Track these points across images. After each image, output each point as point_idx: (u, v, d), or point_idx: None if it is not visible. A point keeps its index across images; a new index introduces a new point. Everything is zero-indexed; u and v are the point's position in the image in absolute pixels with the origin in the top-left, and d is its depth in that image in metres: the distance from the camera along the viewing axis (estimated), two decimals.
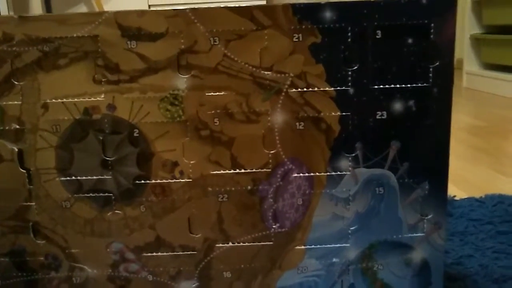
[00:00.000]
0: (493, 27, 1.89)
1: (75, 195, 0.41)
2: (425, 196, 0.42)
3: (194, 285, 0.44)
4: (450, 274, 0.54)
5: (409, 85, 0.40)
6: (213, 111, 0.40)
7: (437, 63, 0.40)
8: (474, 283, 0.52)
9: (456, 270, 0.55)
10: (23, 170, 0.40)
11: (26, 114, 0.40)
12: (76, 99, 0.39)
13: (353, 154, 0.41)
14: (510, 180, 0.90)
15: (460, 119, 1.46)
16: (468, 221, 0.68)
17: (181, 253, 0.43)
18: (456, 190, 0.83)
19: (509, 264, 0.56)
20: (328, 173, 0.42)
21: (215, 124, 0.40)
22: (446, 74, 0.40)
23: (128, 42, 0.39)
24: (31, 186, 0.41)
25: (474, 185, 0.87)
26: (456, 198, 0.77)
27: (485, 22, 1.92)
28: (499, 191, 0.80)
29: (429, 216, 0.43)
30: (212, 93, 0.40)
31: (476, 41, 2.00)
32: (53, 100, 0.39)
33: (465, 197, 0.78)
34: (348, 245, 0.43)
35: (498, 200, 0.75)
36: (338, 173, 0.42)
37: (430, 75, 0.40)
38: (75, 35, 0.38)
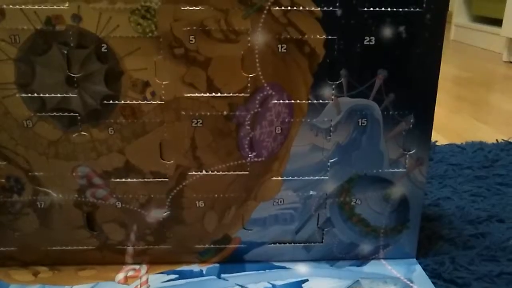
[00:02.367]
0: None
1: (37, 113, 0.38)
2: (409, 130, 0.41)
3: (165, 214, 0.42)
4: (427, 214, 0.53)
5: (400, 9, 0.37)
6: (188, 28, 0.37)
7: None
8: (450, 223, 0.52)
9: (433, 211, 0.55)
10: None
11: None
12: (36, 6, 0.36)
13: (337, 82, 0.39)
14: (490, 129, 0.89)
15: (446, 70, 1.44)
16: (448, 165, 0.68)
17: (152, 180, 0.41)
18: (437, 136, 0.82)
19: (484, 206, 0.56)
20: (310, 101, 0.39)
21: (191, 42, 0.37)
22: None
23: None
24: None
25: (456, 133, 0.86)
26: (438, 144, 0.76)
27: None
28: (480, 139, 0.79)
29: (412, 151, 0.41)
30: (188, 7, 0.36)
31: None
32: (10, 6, 0.35)
33: (447, 143, 0.77)
34: (326, 178, 0.42)
35: (478, 147, 0.75)
36: (320, 101, 0.39)
37: None
38: None
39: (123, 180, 0.41)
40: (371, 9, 0.37)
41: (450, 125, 0.91)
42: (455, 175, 0.65)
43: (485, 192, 0.60)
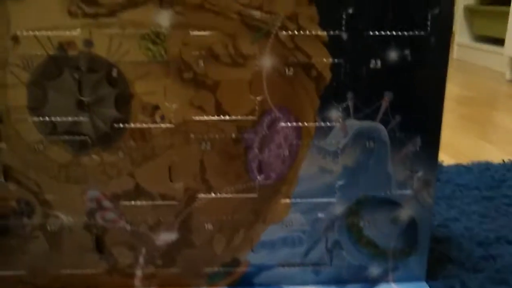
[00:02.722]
0: None
1: (48, 137, 0.39)
2: (416, 152, 0.41)
3: (173, 237, 0.42)
4: (436, 236, 0.53)
5: (405, 33, 0.38)
6: (197, 52, 0.37)
7: (437, 11, 0.38)
8: (459, 245, 0.52)
9: (441, 233, 0.54)
10: None
11: None
12: (50, 33, 0.36)
13: (344, 104, 0.39)
14: (496, 149, 0.89)
15: (449, 88, 1.44)
16: (455, 186, 0.68)
17: (161, 202, 0.41)
18: (443, 156, 0.82)
19: (493, 228, 0.56)
20: (317, 124, 0.40)
21: (199, 66, 0.38)
22: (446, 23, 0.38)
23: None
24: (1, 126, 0.38)
25: (461, 152, 0.86)
26: (444, 164, 0.76)
27: None
28: (486, 158, 0.79)
29: (419, 173, 0.42)
30: (197, 32, 0.37)
31: (470, 12, 1.97)
32: (25, 33, 0.36)
33: (453, 163, 0.77)
34: (334, 200, 0.42)
35: (484, 167, 0.75)
36: (327, 123, 0.40)
37: (428, 23, 0.38)
38: None
39: (133, 203, 0.41)
40: (377, 33, 0.38)
41: (455, 145, 0.91)
42: (463, 196, 0.65)
43: (493, 213, 0.60)
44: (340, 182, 0.41)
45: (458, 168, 0.75)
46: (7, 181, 0.40)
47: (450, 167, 0.75)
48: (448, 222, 0.57)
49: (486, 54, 1.82)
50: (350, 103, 0.39)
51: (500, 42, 1.67)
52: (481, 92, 1.42)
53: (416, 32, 0.38)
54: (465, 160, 0.79)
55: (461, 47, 2.01)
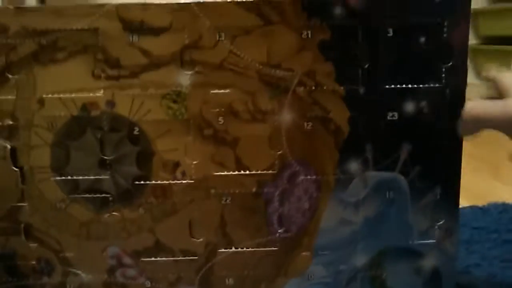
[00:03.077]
0: (490, 37, 1.88)
1: (70, 195, 0.39)
2: (437, 201, 0.41)
3: None
4: (459, 283, 0.52)
5: (421, 86, 0.39)
6: (217, 110, 0.38)
7: (450, 63, 0.38)
8: None
9: (464, 280, 0.53)
10: (16, 169, 0.38)
11: (21, 110, 0.38)
12: (74, 95, 0.37)
13: (363, 157, 0.40)
14: (510, 188, 0.88)
15: None
16: (473, 229, 0.67)
17: (182, 258, 0.41)
18: None
19: None
20: (337, 176, 0.40)
21: (219, 123, 0.38)
22: (459, 74, 0.39)
23: (130, 36, 0.37)
24: (24, 186, 0.39)
25: (476, 194, 0.85)
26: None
27: (482, 33, 1.91)
28: (501, 199, 0.78)
29: (441, 222, 0.41)
30: (217, 91, 0.38)
31: (473, 52, 1.99)
32: (50, 95, 0.37)
33: (468, 205, 0.76)
34: (356, 251, 0.41)
35: (502, 209, 0.74)
36: (347, 176, 0.40)
37: (443, 75, 0.39)
38: (74, 27, 0.36)
39: (153, 259, 0.41)
40: (392, 86, 0.39)
41: (469, 187, 0.90)
42: (482, 240, 0.63)
43: None
44: (361, 233, 0.41)
45: (474, 211, 0.74)
46: (28, 239, 0.40)
47: (465, 209, 0.74)
48: (470, 268, 0.56)
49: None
50: (369, 155, 0.40)
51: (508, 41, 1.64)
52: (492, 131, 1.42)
53: (432, 85, 0.39)
54: (480, 202, 0.78)
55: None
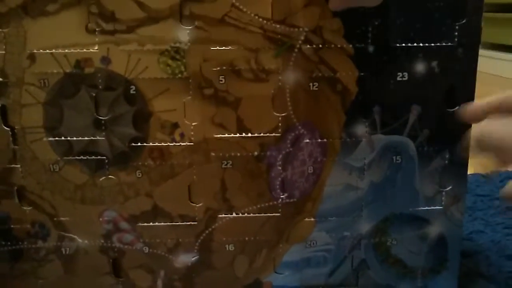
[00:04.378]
0: (494, 5, 1.84)
1: (64, 157, 0.38)
2: (445, 166, 0.39)
3: (193, 258, 0.41)
4: (462, 250, 0.51)
5: (432, 44, 0.37)
6: (218, 68, 0.36)
7: (464, 21, 0.36)
8: (487, 259, 0.50)
9: (467, 246, 0.52)
10: (6, 128, 0.36)
11: (10, 66, 0.35)
12: (66, 50, 0.35)
13: (370, 119, 0.38)
14: None
15: None
16: (476, 196, 0.66)
17: (180, 223, 0.39)
18: None
19: None
20: (343, 139, 0.38)
21: (220, 82, 0.36)
22: (473, 33, 0.37)
23: None
24: (16, 147, 0.37)
25: (478, 162, 0.84)
26: None
27: (486, 0, 1.87)
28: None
29: (448, 188, 0.40)
30: (218, 48, 0.36)
31: None
32: (41, 51, 0.35)
33: (470, 173, 0.75)
34: (361, 217, 0.40)
35: (504, 176, 0.73)
36: (354, 139, 0.38)
37: (456, 33, 0.37)
38: None
39: (151, 224, 0.39)
40: (403, 45, 0.36)
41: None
42: (485, 207, 0.63)
43: None
44: (366, 199, 0.40)
45: (476, 178, 0.73)
46: (21, 202, 0.39)
47: (468, 177, 0.73)
48: (473, 235, 0.55)
49: (495, 61, 1.80)
50: (377, 117, 0.38)
51: (509, 48, 1.64)
52: None
53: (444, 43, 0.37)
54: (483, 170, 0.77)
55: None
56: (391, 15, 0.36)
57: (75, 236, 0.40)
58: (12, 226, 0.39)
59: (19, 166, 0.38)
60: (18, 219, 0.39)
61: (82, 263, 0.41)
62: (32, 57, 0.35)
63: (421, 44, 0.37)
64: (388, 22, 0.36)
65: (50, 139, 0.37)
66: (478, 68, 0.37)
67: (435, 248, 0.41)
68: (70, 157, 0.38)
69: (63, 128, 0.37)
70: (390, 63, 0.37)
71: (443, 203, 0.40)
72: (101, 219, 0.39)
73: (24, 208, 0.39)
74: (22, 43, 0.35)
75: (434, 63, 0.37)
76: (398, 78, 0.37)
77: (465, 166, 0.40)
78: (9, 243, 0.40)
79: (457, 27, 0.36)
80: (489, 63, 1.86)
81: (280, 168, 0.38)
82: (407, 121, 0.38)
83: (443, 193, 0.40)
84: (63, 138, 0.37)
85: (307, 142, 0.38)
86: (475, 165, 0.81)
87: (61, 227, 0.40)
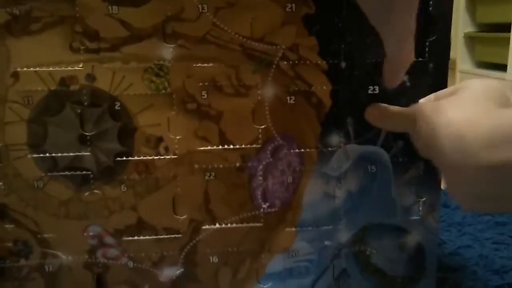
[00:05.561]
0: (487, 25, 1.88)
1: (49, 173, 0.38)
2: (420, 176, 0.41)
3: (178, 272, 0.41)
4: (449, 264, 0.52)
5: None
6: (200, 84, 0.38)
7: (434, 37, 0.39)
8: (474, 273, 0.51)
9: (454, 261, 0.54)
10: None
11: None
12: (51, 68, 0.36)
13: (344, 130, 0.40)
14: None
15: None
16: (465, 212, 0.67)
17: (165, 236, 0.40)
18: None
19: (509, 255, 0.55)
20: (319, 149, 0.40)
21: (203, 97, 0.38)
22: (443, 49, 0.39)
23: (109, 7, 0.36)
24: None
25: None
26: None
27: (478, 20, 1.91)
28: None
29: (424, 198, 0.42)
30: (200, 64, 0.37)
31: (470, 40, 1.98)
32: (25, 69, 0.36)
33: None
34: (340, 227, 0.41)
35: None
36: (329, 149, 0.40)
37: (426, 49, 0.39)
38: None
39: (136, 238, 0.40)
40: (373, 60, 0.39)
41: None
42: (474, 222, 0.64)
43: (508, 239, 0.59)
44: (345, 208, 0.41)
45: None
46: (3, 220, 0.39)
47: None
48: (461, 250, 0.56)
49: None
50: (350, 128, 0.40)
51: (502, 67, 1.67)
52: None
53: (415, 59, 0.39)
54: None
55: (464, 74, 1.99)
56: (362, 33, 0.38)
57: (59, 253, 0.40)
58: None
59: (1, 183, 0.38)
60: (0, 238, 0.39)
61: (65, 280, 0.40)
62: (16, 75, 0.36)
63: None
64: (360, 39, 0.38)
65: (34, 155, 0.38)
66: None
67: (413, 257, 0.43)
68: (55, 173, 0.38)
69: (47, 144, 0.37)
70: (361, 77, 0.39)
71: (420, 212, 0.42)
72: (85, 234, 0.39)
73: (6, 226, 0.39)
74: (6, 62, 0.36)
75: (405, 78, 0.39)
76: (370, 91, 0.39)
77: (438, 176, 0.42)
78: None
79: (427, 44, 0.39)
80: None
81: (261, 178, 0.40)
82: (380, 132, 0.40)
83: (420, 203, 0.42)
84: (47, 154, 0.38)
85: (285, 153, 0.40)
86: None
87: (45, 244, 0.40)
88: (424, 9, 0.38)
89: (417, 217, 0.42)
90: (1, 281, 0.40)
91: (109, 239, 0.40)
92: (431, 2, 0.38)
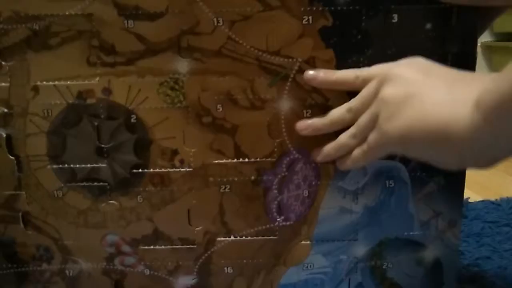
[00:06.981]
0: (504, 34, 1.83)
1: (67, 184, 0.39)
2: (439, 191, 0.40)
3: (193, 280, 0.42)
4: (467, 276, 0.51)
5: None
6: (216, 97, 0.37)
7: (457, 50, 0.37)
8: (492, 285, 0.49)
9: (473, 272, 0.52)
10: (11, 157, 0.38)
11: (15, 97, 0.37)
12: (69, 82, 0.37)
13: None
14: None
15: None
16: (484, 223, 0.65)
17: (180, 246, 0.41)
18: (469, 192, 0.79)
19: None
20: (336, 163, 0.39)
21: (218, 110, 0.38)
22: (467, 62, 0.38)
23: (125, 22, 0.36)
24: (21, 174, 0.38)
25: (489, 188, 0.83)
26: (471, 200, 0.74)
27: (496, 30, 1.86)
28: None
29: (443, 213, 0.41)
30: (215, 78, 0.37)
31: (487, 49, 1.94)
32: (44, 83, 0.37)
33: (480, 199, 0.75)
34: (356, 241, 0.41)
35: None
36: None
37: (449, 63, 0.37)
38: (67, 12, 0.36)
39: (152, 247, 0.40)
40: None
41: (481, 180, 0.87)
42: (493, 233, 0.62)
43: None
44: (361, 222, 0.41)
45: (486, 205, 0.72)
46: (26, 227, 0.40)
47: (477, 203, 0.73)
48: (479, 261, 0.55)
49: None
50: None
51: None
52: None
53: None
54: (493, 196, 0.76)
55: None
56: (381, 45, 0.37)
57: (79, 259, 0.41)
58: (17, 249, 0.41)
59: (23, 192, 0.39)
60: (23, 243, 0.41)
61: (85, 285, 0.42)
62: (35, 89, 0.37)
63: None
64: (380, 52, 0.37)
65: (54, 166, 0.38)
66: None
67: (431, 272, 0.42)
68: (73, 184, 0.39)
69: (66, 156, 0.38)
70: None
71: (438, 227, 0.41)
72: (103, 242, 0.40)
73: (29, 232, 0.40)
74: (26, 76, 0.37)
75: None
76: None
77: (460, 191, 0.40)
78: (15, 265, 0.41)
79: (450, 57, 0.37)
80: None
81: (276, 191, 0.39)
82: None
83: (438, 218, 0.41)
84: (66, 165, 0.38)
85: (301, 166, 0.39)
86: (484, 192, 0.80)
87: (65, 250, 0.41)
88: (446, 21, 0.37)
89: (435, 232, 0.41)
90: (25, 284, 0.42)
91: (126, 248, 0.41)
92: (453, 14, 0.36)
